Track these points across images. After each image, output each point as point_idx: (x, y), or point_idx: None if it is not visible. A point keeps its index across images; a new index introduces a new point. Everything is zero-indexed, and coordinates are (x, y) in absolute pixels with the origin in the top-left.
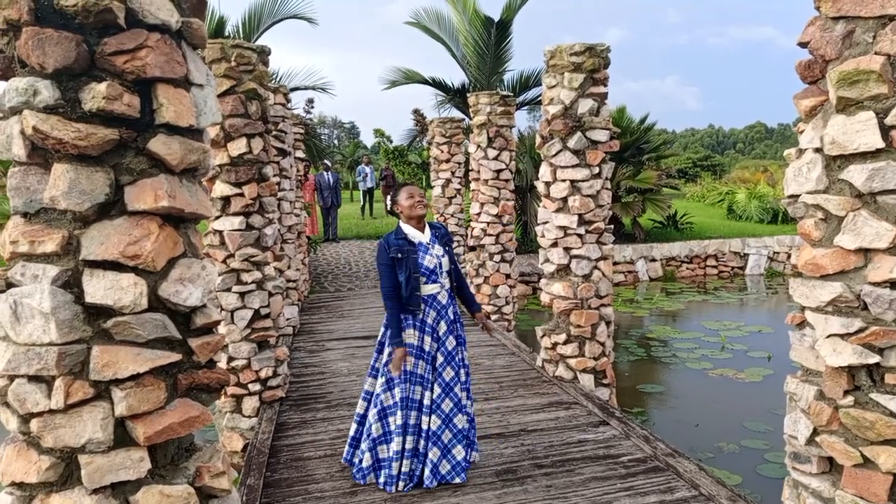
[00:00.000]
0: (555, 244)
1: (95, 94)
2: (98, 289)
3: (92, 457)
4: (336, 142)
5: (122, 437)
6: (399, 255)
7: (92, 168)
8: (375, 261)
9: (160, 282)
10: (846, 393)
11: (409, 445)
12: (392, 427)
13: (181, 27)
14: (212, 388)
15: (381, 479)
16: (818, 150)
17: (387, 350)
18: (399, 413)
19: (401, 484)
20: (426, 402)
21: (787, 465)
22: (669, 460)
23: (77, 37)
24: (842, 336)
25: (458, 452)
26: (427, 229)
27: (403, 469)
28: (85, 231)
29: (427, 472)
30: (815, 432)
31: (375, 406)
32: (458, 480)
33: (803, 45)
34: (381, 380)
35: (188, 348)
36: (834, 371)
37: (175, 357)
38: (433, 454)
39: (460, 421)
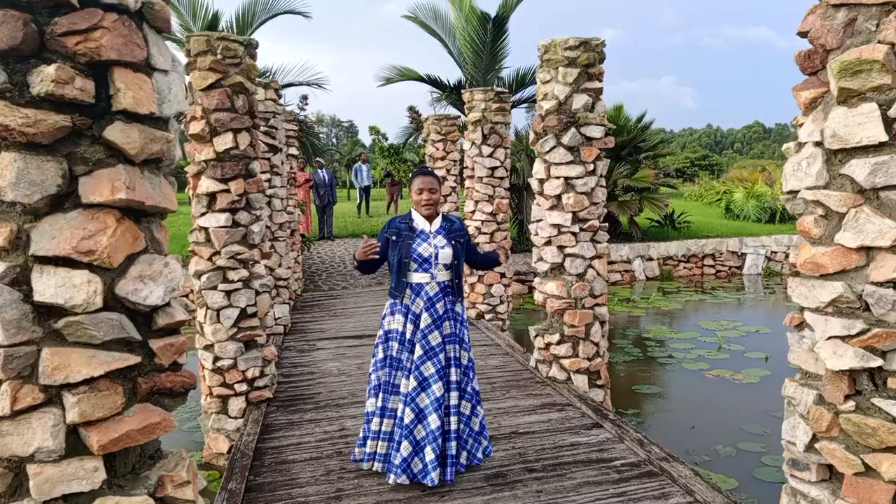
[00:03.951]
0: (548, 242)
1: (44, 78)
2: (48, 286)
3: (41, 466)
4: (335, 140)
5: (75, 445)
6: (394, 238)
7: (42, 157)
8: None
9: (118, 279)
10: (847, 398)
11: (385, 428)
12: (371, 408)
13: (142, 8)
14: (175, 392)
15: (359, 456)
16: (818, 144)
17: (385, 328)
18: (380, 395)
19: (376, 465)
20: (403, 389)
21: (786, 472)
22: (664, 465)
23: (25, 16)
24: (843, 338)
25: (428, 454)
26: (437, 220)
27: (379, 450)
28: (36, 225)
29: (397, 461)
30: (814, 438)
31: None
32: (426, 482)
33: (803, 34)
34: (372, 360)
35: (149, 350)
36: (834, 375)
37: (134, 360)
38: (405, 448)
39: (434, 421)
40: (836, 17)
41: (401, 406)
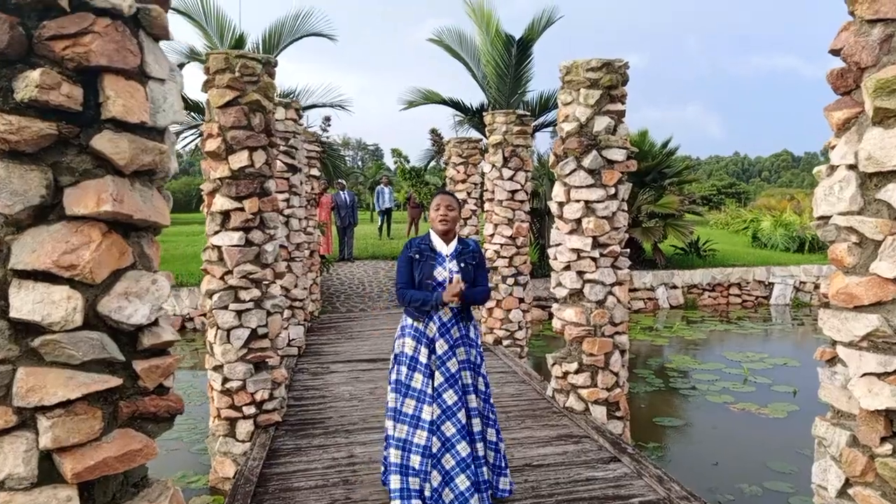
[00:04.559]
0: (567, 267)
1: (28, 83)
2: (26, 302)
3: (11, 494)
4: (360, 163)
5: (49, 472)
6: (417, 257)
7: (26, 166)
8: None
9: (101, 296)
10: (883, 440)
11: (395, 459)
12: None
13: (138, 14)
14: (160, 417)
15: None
16: (852, 167)
17: (396, 350)
18: (389, 423)
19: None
20: (426, 417)
21: None
22: None
23: (11, 18)
24: (878, 375)
25: (462, 482)
26: (453, 243)
27: (396, 485)
28: (17, 237)
29: (428, 492)
30: (847, 483)
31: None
32: None
33: (835, 52)
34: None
35: (132, 372)
36: (869, 415)
37: (115, 382)
38: (434, 478)
39: (464, 448)
40: (872, 34)
41: (424, 434)
